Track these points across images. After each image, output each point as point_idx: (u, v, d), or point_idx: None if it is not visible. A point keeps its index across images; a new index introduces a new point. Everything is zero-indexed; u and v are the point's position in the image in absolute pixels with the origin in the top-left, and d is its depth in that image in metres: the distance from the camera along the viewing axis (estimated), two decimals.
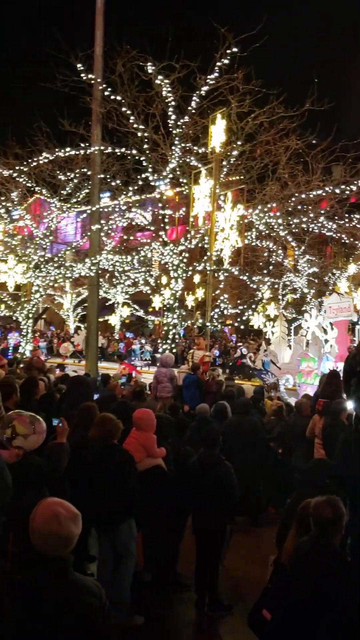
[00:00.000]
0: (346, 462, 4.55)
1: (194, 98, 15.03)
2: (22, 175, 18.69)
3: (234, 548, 6.36)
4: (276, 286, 23.27)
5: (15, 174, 18.63)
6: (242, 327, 16.88)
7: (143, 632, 5.17)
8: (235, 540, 6.32)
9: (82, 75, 15.42)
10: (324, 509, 3.37)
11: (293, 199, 16.59)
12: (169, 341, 16.14)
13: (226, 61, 14.41)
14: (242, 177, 16.15)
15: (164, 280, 17.63)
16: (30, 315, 20.26)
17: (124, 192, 17.28)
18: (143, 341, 31.31)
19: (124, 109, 15.30)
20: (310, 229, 18.97)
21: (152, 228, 17.62)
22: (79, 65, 15.25)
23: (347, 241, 21.55)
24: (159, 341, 22.57)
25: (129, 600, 5.11)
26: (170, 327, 16.22)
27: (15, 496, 3.95)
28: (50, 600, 2.37)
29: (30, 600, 2.37)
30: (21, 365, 12.42)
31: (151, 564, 5.65)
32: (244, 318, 15.62)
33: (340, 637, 3.21)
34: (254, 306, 17.80)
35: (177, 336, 17.08)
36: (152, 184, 16.41)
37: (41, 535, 2.45)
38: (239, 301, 20.53)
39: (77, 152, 17.38)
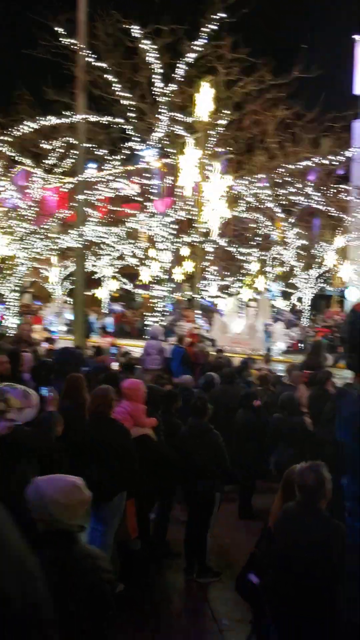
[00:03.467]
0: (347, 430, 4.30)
1: (181, 65, 14.73)
2: (5, 145, 18.29)
3: (223, 516, 6.41)
4: (264, 258, 23.24)
5: None
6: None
7: (133, 599, 5.21)
8: (223, 509, 6.37)
9: (64, 40, 14.99)
10: (308, 476, 3.38)
11: (281, 169, 16.45)
12: (157, 314, 16.11)
13: (214, 27, 14.07)
14: (230, 148, 15.98)
15: (152, 252, 17.50)
16: (16, 289, 20.03)
17: (110, 162, 16.99)
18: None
19: (108, 76, 14.96)
20: (298, 201, 18.87)
21: (140, 199, 17.41)
22: (60, 30, 14.80)
23: (334, 214, 21.46)
24: (146, 314, 22.50)
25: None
26: (159, 300, 16.16)
27: (7, 469, 3.92)
28: (69, 566, 2.37)
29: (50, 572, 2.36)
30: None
31: (140, 532, 5.68)
32: (231, 290, 15.61)
33: (327, 599, 3.26)
34: (242, 278, 17.81)
35: (165, 309, 17.03)
36: (138, 153, 16.15)
37: (64, 506, 2.46)
38: (226, 273, 20.48)
39: (62, 121, 17.02)
